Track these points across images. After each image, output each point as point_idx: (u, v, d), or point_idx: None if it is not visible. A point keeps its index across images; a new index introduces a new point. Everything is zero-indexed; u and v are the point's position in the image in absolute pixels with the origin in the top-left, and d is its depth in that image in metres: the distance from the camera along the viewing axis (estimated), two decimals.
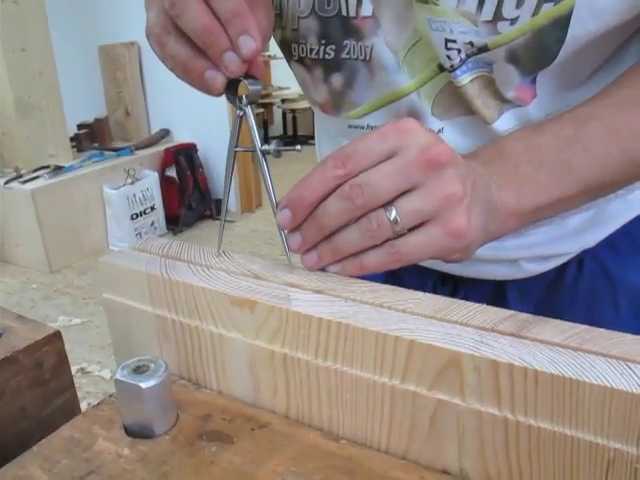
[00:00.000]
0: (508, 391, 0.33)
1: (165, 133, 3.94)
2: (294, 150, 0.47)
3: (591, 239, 0.62)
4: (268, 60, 5.61)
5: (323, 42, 0.56)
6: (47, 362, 0.52)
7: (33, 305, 2.98)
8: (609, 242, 0.63)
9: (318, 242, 0.43)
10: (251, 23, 0.42)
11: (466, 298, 0.64)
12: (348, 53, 0.56)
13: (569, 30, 0.47)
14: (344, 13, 0.54)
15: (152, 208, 3.68)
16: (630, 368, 0.32)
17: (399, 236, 0.41)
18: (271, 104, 5.99)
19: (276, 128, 6.30)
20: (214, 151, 3.89)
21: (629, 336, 0.36)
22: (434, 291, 0.67)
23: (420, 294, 0.41)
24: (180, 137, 3.95)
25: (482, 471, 0.36)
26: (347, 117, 0.60)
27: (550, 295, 0.65)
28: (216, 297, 0.43)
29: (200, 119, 3.80)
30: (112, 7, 3.75)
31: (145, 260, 0.49)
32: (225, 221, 0.52)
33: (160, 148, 3.81)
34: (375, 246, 0.42)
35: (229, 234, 3.75)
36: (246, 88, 0.45)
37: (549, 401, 0.33)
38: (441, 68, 0.53)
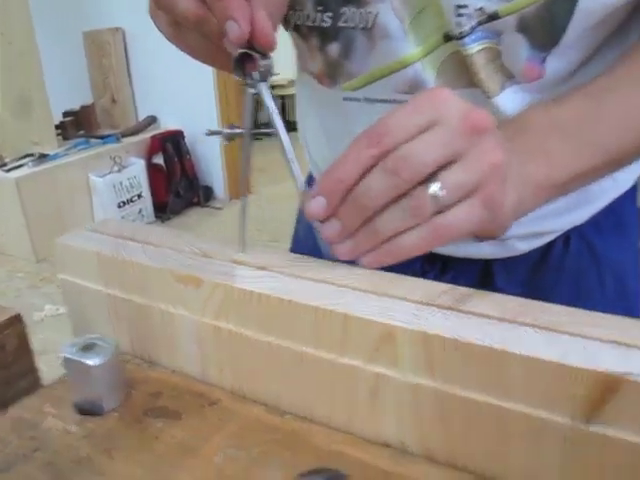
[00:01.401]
0: (441, 363, 0.34)
1: (152, 120, 3.91)
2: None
3: (580, 216, 0.62)
4: None
5: (320, 9, 0.54)
6: (9, 345, 0.51)
7: (18, 294, 2.97)
8: (594, 220, 0.63)
9: (357, 228, 0.40)
10: (234, 4, 0.40)
11: (454, 278, 0.63)
12: (346, 21, 0.54)
13: (579, 1, 0.47)
14: None
15: (139, 196, 3.66)
16: (559, 338, 0.33)
17: (437, 213, 0.39)
18: None
19: (265, 114, 6.26)
20: (201, 138, 3.87)
21: (564, 308, 0.37)
22: (422, 272, 0.66)
23: (360, 270, 0.41)
24: (167, 124, 3.93)
25: (421, 443, 0.37)
26: (343, 89, 0.59)
27: (537, 274, 0.65)
28: (163, 275, 0.43)
29: (187, 106, 3.78)
30: None
31: (98, 240, 0.49)
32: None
33: (147, 135, 3.78)
34: (412, 228, 0.39)
35: (216, 221, 3.75)
36: (255, 63, 0.42)
37: (479, 372, 0.33)
38: (447, 38, 0.52)
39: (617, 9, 0.49)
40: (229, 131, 0.45)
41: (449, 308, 0.36)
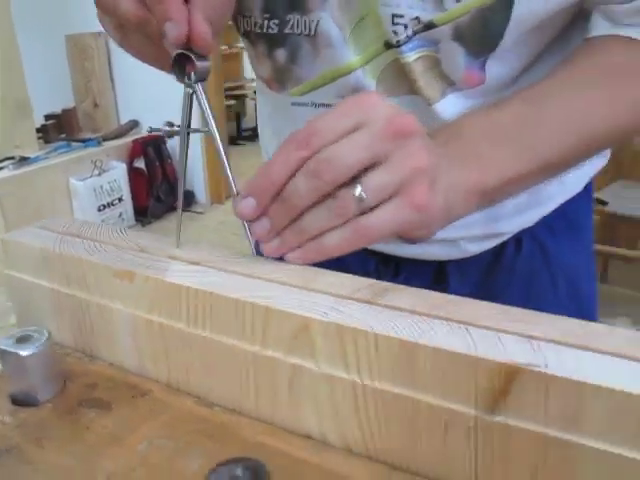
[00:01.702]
0: (353, 354, 0.35)
1: (134, 124, 3.92)
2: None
3: (528, 219, 0.63)
4: (240, 52, 5.59)
5: (267, 16, 0.56)
6: None
7: None
8: (546, 222, 0.64)
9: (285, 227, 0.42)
10: (173, 7, 0.41)
11: (408, 279, 0.64)
12: (292, 28, 0.55)
13: (513, 9, 0.48)
14: None
15: (120, 199, 3.66)
16: (468, 331, 0.34)
17: (362, 214, 0.40)
18: (244, 96, 5.97)
19: (249, 120, 6.28)
20: None
21: (486, 304, 0.38)
22: (377, 273, 0.67)
23: (290, 265, 0.42)
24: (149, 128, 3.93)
25: (340, 436, 0.38)
26: (291, 94, 0.60)
27: (490, 275, 0.66)
28: (100, 269, 0.44)
29: (169, 110, 3.75)
30: None
31: (43, 237, 0.50)
32: (182, 210, 0.50)
33: (128, 139, 3.79)
34: (336, 228, 0.40)
35: (197, 225, 3.75)
36: (193, 64, 0.43)
37: (390, 364, 0.34)
38: (387, 45, 0.53)
39: (552, 17, 0.50)
40: (168, 129, 0.47)
41: (367, 301, 0.37)
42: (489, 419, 0.33)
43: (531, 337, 0.34)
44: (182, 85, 0.44)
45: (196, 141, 3.84)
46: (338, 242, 0.40)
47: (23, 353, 0.41)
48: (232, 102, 5.56)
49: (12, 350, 0.42)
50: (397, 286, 0.39)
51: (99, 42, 3.75)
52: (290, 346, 0.37)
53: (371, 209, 0.40)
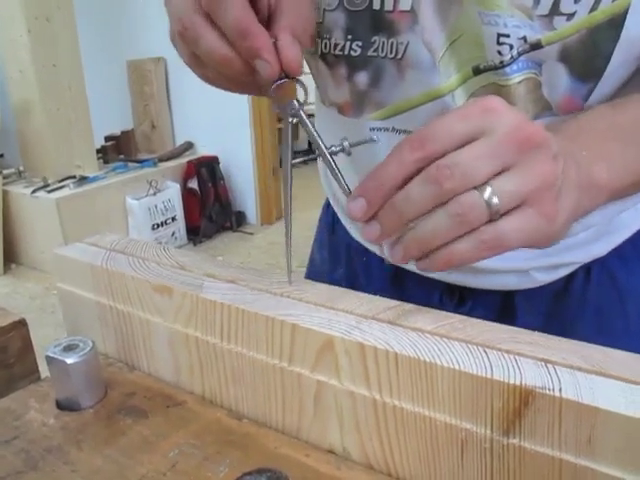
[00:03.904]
0: (375, 372, 0.36)
1: (189, 146, 4.03)
2: (371, 141, 0.43)
3: (601, 248, 0.61)
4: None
5: (349, 37, 0.54)
6: (12, 347, 0.56)
7: (53, 310, 3.07)
8: (618, 251, 0.62)
9: (400, 231, 0.39)
10: (260, 43, 0.40)
11: (473, 309, 0.62)
12: (376, 50, 0.54)
13: (623, 30, 0.46)
14: (376, 7, 0.52)
15: (173, 219, 3.75)
16: (486, 354, 0.35)
17: (489, 222, 0.37)
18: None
19: (301, 143, 6.36)
20: (236, 163, 3.97)
21: (501, 326, 0.39)
22: (441, 303, 0.66)
23: (321, 286, 0.44)
24: (203, 150, 4.04)
25: (361, 451, 0.39)
26: (370, 119, 0.58)
27: (558, 304, 0.63)
28: (142, 285, 0.47)
29: (223, 132, 3.88)
30: (140, 24, 3.87)
31: (92, 253, 0.53)
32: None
33: (183, 160, 3.90)
34: (463, 235, 0.37)
35: (248, 246, 3.81)
36: (294, 91, 0.41)
37: (409, 382, 0.35)
38: (475, 71, 0.51)
39: None
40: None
41: (389, 322, 0.39)
42: (504, 441, 0.34)
43: (548, 361, 0.35)
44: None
45: (247, 163, 3.93)
46: (467, 252, 0.37)
47: (68, 361, 0.44)
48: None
49: (58, 357, 0.45)
50: (420, 308, 0.41)
51: (158, 67, 3.89)
52: (315, 362, 0.38)
53: (500, 216, 0.37)
